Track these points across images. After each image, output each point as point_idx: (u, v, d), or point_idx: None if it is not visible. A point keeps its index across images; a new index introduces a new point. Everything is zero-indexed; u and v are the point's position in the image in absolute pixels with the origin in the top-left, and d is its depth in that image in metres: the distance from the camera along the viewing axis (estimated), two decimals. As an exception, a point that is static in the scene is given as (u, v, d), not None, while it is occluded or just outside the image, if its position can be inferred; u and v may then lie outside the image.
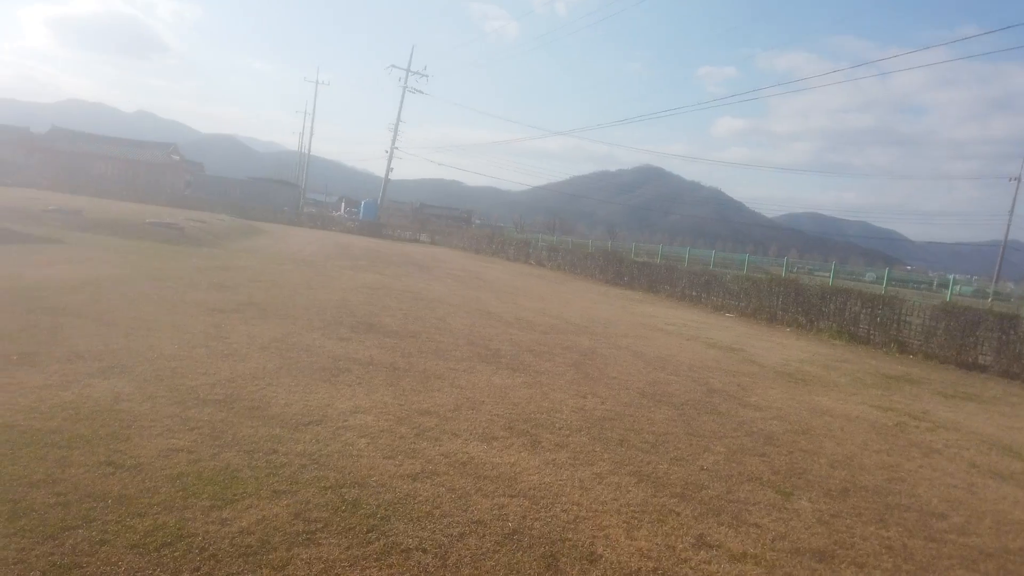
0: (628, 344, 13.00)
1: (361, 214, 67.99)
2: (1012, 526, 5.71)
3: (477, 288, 21.19)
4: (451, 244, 56.67)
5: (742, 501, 5.36)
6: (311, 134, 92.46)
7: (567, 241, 52.64)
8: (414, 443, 5.68)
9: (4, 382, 5.86)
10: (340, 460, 5.06)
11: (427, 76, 69.45)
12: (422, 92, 70.17)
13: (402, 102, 69.19)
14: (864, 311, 19.00)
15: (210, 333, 8.96)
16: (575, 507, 4.76)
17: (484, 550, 3.97)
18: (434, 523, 4.22)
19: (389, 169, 69.52)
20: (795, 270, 35.32)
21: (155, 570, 3.33)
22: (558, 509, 4.69)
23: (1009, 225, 59.43)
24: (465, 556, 3.88)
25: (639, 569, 4.02)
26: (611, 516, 4.69)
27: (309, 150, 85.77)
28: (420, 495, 4.61)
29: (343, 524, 4.05)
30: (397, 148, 69.06)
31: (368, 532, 3.99)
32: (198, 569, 3.39)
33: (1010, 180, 59.49)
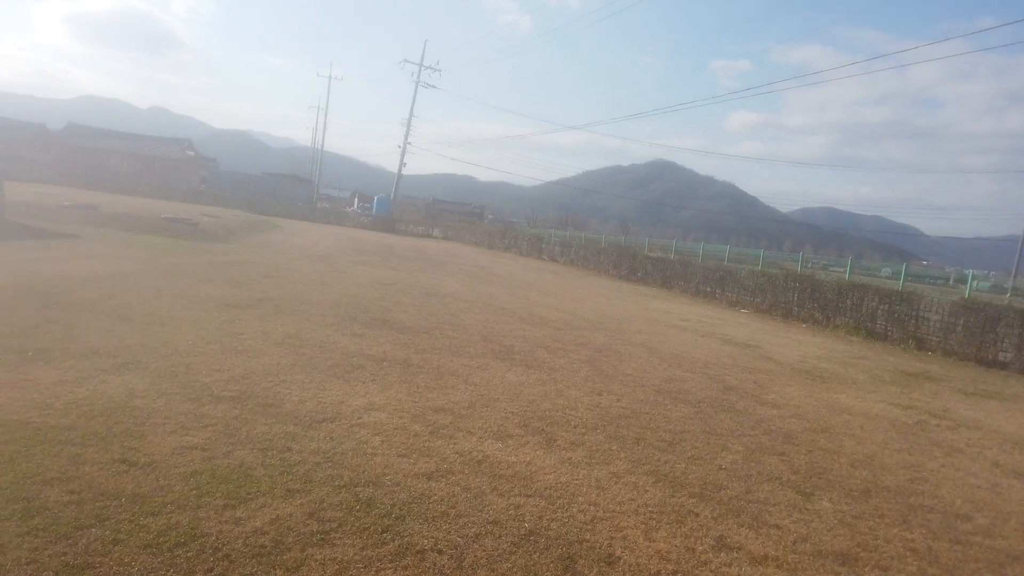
0: (643, 340, 12.90)
1: (374, 209, 68.05)
2: (1039, 528, 5.58)
3: (490, 284, 21.13)
4: (464, 239, 56.63)
5: (762, 501, 5.26)
6: (324, 129, 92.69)
7: (580, 236, 52.44)
8: (428, 441, 5.63)
9: (19, 378, 5.86)
10: (354, 458, 5.01)
11: (440, 71, 69.44)
12: (435, 87, 70.25)
13: (415, 97, 69.21)
14: (881, 307, 18.77)
15: (224, 329, 8.95)
16: (592, 507, 4.69)
17: (500, 551, 3.91)
18: (449, 523, 4.16)
19: (402, 164, 69.57)
20: (810, 265, 34.97)
21: (168, 571, 3.29)
22: (575, 509, 4.61)
23: (1028, 219, 58.52)
24: (481, 558, 3.82)
25: (658, 572, 3.94)
26: (629, 517, 4.62)
27: (323, 145, 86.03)
28: (435, 494, 4.55)
29: (357, 524, 4.00)
30: (410, 143, 69.12)
31: (383, 532, 3.94)
32: (211, 570, 3.34)
33: (1029, 174, 58.49)
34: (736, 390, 9.39)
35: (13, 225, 20.00)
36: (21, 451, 4.38)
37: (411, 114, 69.02)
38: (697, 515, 4.81)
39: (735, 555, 4.28)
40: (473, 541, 3.99)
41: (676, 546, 4.28)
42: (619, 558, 4.03)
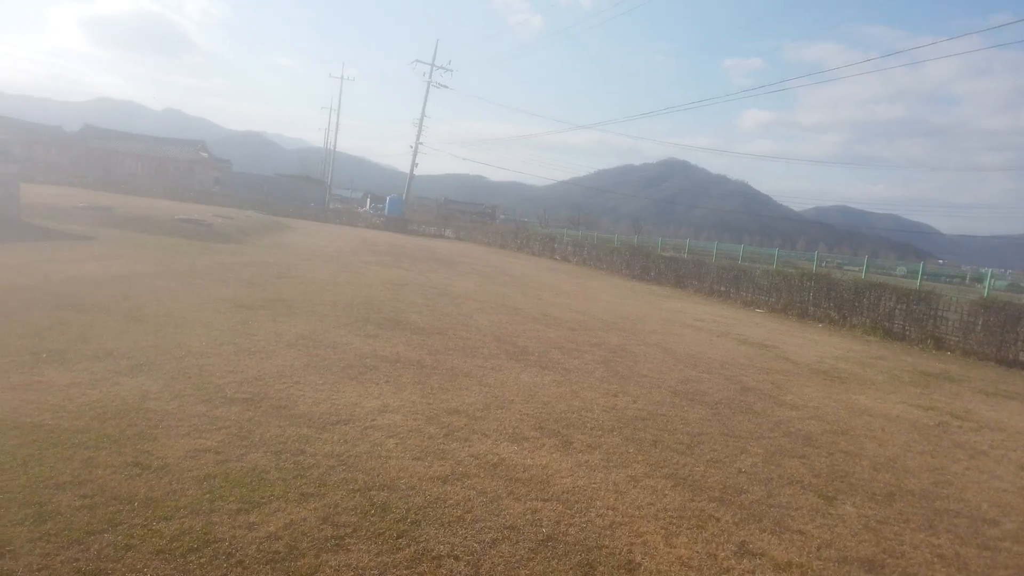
0: (657, 341, 12.78)
1: (386, 210, 68.15)
2: (1069, 534, 5.44)
3: (502, 284, 21.06)
4: (476, 239, 56.59)
5: (784, 506, 5.15)
6: (336, 130, 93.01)
7: (592, 236, 52.29)
8: (443, 444, 5.55)
9: (33, 380, 5.84)
10: (368, 461, 4.95)
11: (451, 71, 69.47)
12: (447, 87, 70.25)
13: (426, 97, 69.25)
14: (899, 306, 18.53)
15: (237, 330, 8.93)
16: (610, 512, 4.60)
17: (518, 557, 3.83)
18: (465, 528, 4.08)
19: (414, 164, 69.65)
20: (824, 264, 34.64)
21: (181, 577, 3.24)
22: (593, 514, 4.53)
23: (1046, 217, 57.75)
24: (498, 564, 3.74)
25: (680, 579, 3.85)
26: (648, 522, 4.53)
27: (335, 146, 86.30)
28: (450, 498, 4.48)
29: (372, 529, 3.93)
30: (422, 143, 69.19)
31: (398, 538, 3.87)
32: (225, 576, 3.29)
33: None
34: (754, 391, 9.27)
35: (29, 226, 20.14)
36: (34, 454, 4.34)
37: (423, 114, 69.11)
38: (718, 520, 4.71)
39: (758, 562, 4.18)
40: (490, 547, 3.91)
41: (697, 552, 4.18)
42: (639, 565, 3.94)
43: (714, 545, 4.31)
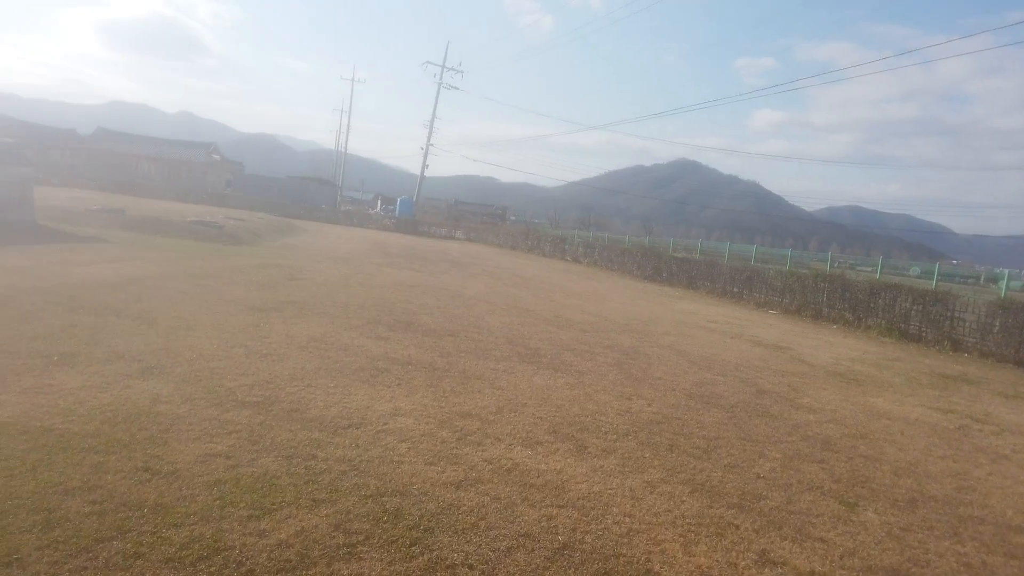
0: (671, 343, 12.66)
1: (397, 211, 68.26)
2: (1099, 542, 5.29)
3: (514, 285, 20.97)
4: (486, 241, 56.53)
5: (804, 512, 5.04)
6: (348, 132, 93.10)
7: (603, 237, 52.10)
8: (456, 448, 5.47)
9: (43, 383, 5.81)
10: (380, 466, 4.88)
11: (462, 72, 69.53)
12: (457, 88, 70.24)
13: (437, 98, 69.29)
14: (915, 308, 18.31)
15: (249, 332, 8.89)
16: (627, 519, 4.50)
17: (534, 567, 3.74)
18: (480, 536, 4.00)
19: (424, 166, 69.70)
20: (837, 265, 34.35)
21: (191, 587, 3.17)
22: (609, 521, 4.43)
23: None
24: (514, 573, 3.65)
25: (700, 589, 3.75)
26: (666, 529, 4.43)
27: (346, 148, 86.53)
28: (464, 505, 4.40)
29: (385, 536, 3.85)
30: (432, 145, 69.22)
31: (411, 545, 3.79)
32: (235, 586, 3.22)
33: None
34: (770, 394, 9.14)
35: (42, 229, 20.25)
36: (44, 459, 4.30)
37: (434, 116, 69.17)
38: (737, 527, 4.60)
39: (780, 571, 4.07)
40: (505, 555, 3.82)
41: (717, 561, 4.08)
42: (658, 574, 3.84)
43: (734, 554, 4.21)
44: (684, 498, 5.00)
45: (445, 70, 68.16)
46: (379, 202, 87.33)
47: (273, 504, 4.07)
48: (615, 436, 6.34)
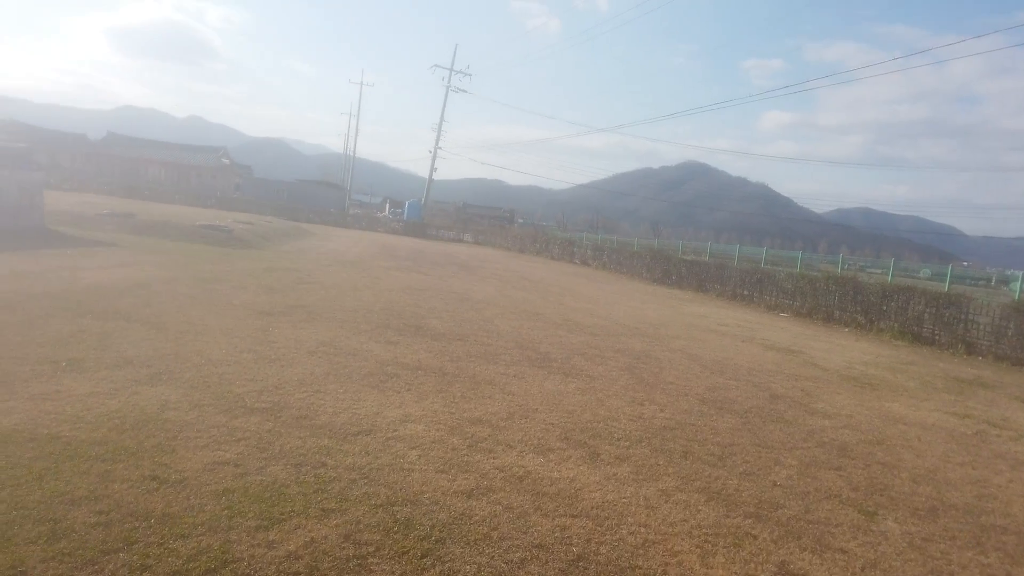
0: (682, 347, 12.54)
1: (405, 214, 68.31)
2: None
3: (523, 288, 20.89)
4: (494, 244, 56.48)
5: (823, 522, 4.93)
6: (356, 135, 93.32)
7: (612, 240, 51.96)
8: (467, 455, 5.39)
9: (52, 390, 5.77)
10: (391, 474, 4.80)
11: (470, 75, 69.49)
12: (465, 91, 70.14)
13: (445, 102, 69.30)
14: (928, 310, 18.11)
15: (258, 337, 8.84)
16: (643, 529, 4.41)
17: (548, 579, 3.65)
18: (492, 547, 3.92)
19: (433, 169, 69.72)
20: (847, 267, 34.09)
21: (198, 600, 3.10)
22: (624, 531, 4.34)
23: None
24: (528, 586, 3.57)
25: (718, 602, 3.65)
26: (682, 539, 4.33)
27: (354, 152, 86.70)
28: (476, 514, 4.31)
29: (396, 547, 3.77)
30: (440, 148, 69.24)
31: (423, 557, 3.71)
32: (243, 600, 3.15)
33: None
34: (783, 399, 9.02)
35: (52, 233, 20.32)
36: (50, 467, 4.24)
37: (442, 119, 69.17)
38: (755, 537, 4.50)
39: (800, 583, 3.97)
40: (518, 567, 3.74)
41: (735, 573, 3.98)
42: (675, 587, 3.75)
43: (753, 565, 4.10)
44: (700, 507, 4.90)
45: (453, 73, 68.21)
46: (387, 205, 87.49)
47: (282, 514, 3.99)
48: (628, 443, 6.24)
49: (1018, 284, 24.66)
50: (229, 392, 6.28)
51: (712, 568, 4.00)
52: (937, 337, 17.60)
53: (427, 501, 4.42)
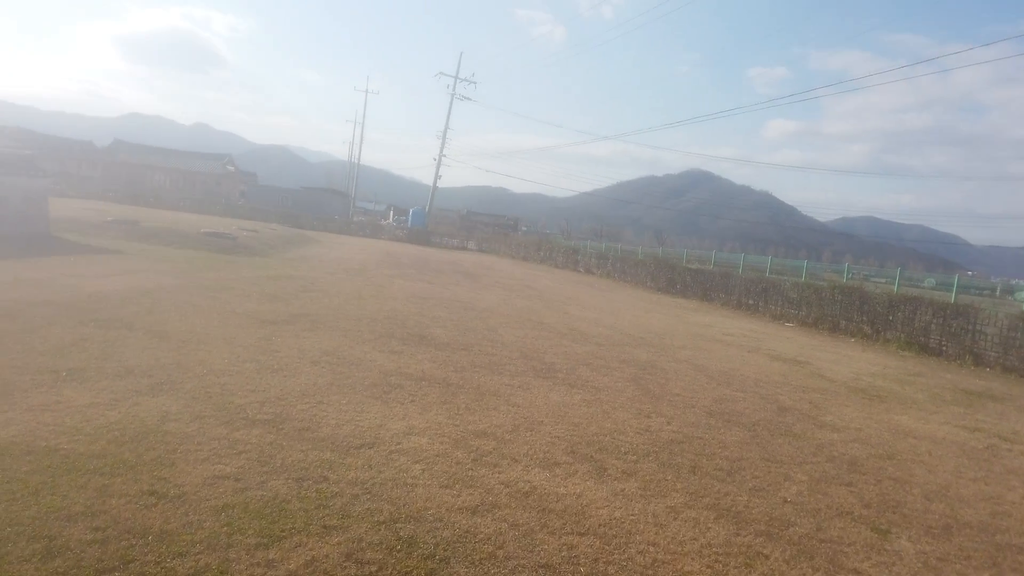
0: (688, 357, 12.43)
1: (410, 222, 68.32)
2: None
3: (527, 297, 20.80)
4: (498, 251, 56.42)
5: (835, 541, 4.82)
6: (360, 143, 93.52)
7: (616, 248, 51.85)
8: (472, 469, 5.30)
9: (51, 400, 5.69)
10: (394, 489, 4.71)
11: (475, 83, 69.53)
12: (470, 99, 70.30)
13: (450, 109, 69.40)
14: (935, 321, 17.96)
15: (260, 346, 8.76)
16: (652, 548, 4.30)
17: (555, 601, 3.56)
18: (498, 566, 3.82)
19: (437, 177, 69.77)
20: (852, 276, 33.93)
21: (195, 623, 3.01)
22: (633, 550, 4.24)
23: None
24: (534, 608, 3.47)
25: (730, 626, 3.55)
26: (692, 559, 4.22)
27: (359, 159, 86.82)
28: (481, 532, 4.22)
29: (399, 567, 3.68)
30: (445, 156, 69.31)
31: (426, 577, 3.61)
32: (242, 622, 3.06)
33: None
34: (791, 411, 8.90)
35: (56, 240, 20.31)
36: (47, 482, 4.16)
37: (446, 126, 69.27)
38: (767, 557, 4.39)
39: (814, 606, 3.86)
40: (524, 588, 3.64)
41: (747, 595, 3.88)
42: (686, 609, 3.64)
43: (765, 586, 4.00)
44: (710, 525, 4.80)
45: (458, 81, 68.33)
46: (391, 213, 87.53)
47: (282, 531, 3.91)
48: (635, 457, 6.14)
49: (1025, 294, 24.47)
50: (231, 403, 6.20)
51: (723, 589, 3.89)
52: (944, 348, 17.45)
53: (431, 518, 4.33)
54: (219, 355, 8.01)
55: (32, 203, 21.05)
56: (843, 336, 19.95)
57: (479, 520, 4.38)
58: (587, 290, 27.30)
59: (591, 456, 6.00)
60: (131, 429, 5.24)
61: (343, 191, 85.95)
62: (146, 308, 10.53)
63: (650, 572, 3.98)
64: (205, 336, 8.98)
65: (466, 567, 3.76)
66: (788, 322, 22.31)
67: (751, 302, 25.09)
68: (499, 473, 5.29)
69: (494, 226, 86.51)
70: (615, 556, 4.12)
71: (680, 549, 4.34)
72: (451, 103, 68.74)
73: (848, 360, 14.92)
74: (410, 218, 69.97)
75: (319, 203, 72.54)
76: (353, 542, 3.89)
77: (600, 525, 4.54)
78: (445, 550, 3.93)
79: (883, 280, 35.28)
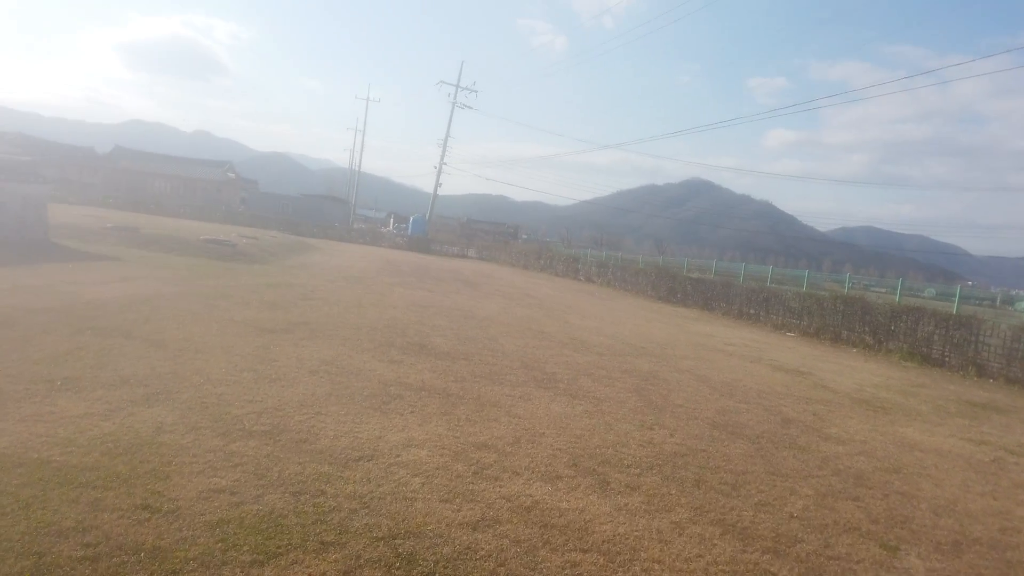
0: (690, 367, 12.33)
1: (410, 230, 68.34)
2: None
3: (527, 306, 20.71)
4: (499, 259, 56.36)
5: (844, 558, 4.71)
6: (361, 150, 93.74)
7: (616, 257, 51.79)
8: (472, 483, 5.20)
9: (44, 411, 5.60)
10: (393, 504, 4.61)
11: (476, 91, 69.67)
12: (471, 107, 70.37)
13: (451, 117, 69.54)
14: (938, 331, 17.87)
15: (258, 355, 8.67)
16: (657, 565, 4.20)
17: (558, 621, 3.45)
18: (499, 585, 3.72)
19: (438, 184, 69.83)
20: (852, 286, 33.85)
21: (187, 645, 2.91)
22: (638, 568, 4.13)
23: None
24: (537, 629, 3.37)
25: (739, 648, 3.45)
26: (698, 577, 4.12)
27: (360, 167, 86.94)
28: (482, 548, 4.12)
29: (398, 586, 3.58)
30: (446, 164, 69.37)
31: (426, 596, 3.51)
32: (235, 644, 2.95)
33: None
34: (795, 423, 8.80)
35: (55, 247, 20.24)
36: (38, 495, 4.06)
37: (447, 134, 69.38)
38: (775, 575, 4.29)
39: (824, 627, 3.76)
40: (527, 608, 3.54)
41: (755, 615, 3.78)
42: (693, 631, 3.54)
43: (773, 606, 3.90)
44: (715, 541, 4.69)
45: (459, 90, 68.47)
46: (392, 220, 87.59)
47: (278, 548, 3.80)
48: (638, 470, 6.04)
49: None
50: (227, 414, 6.10)
51: (731, 610, 3.79)
52: (947, 359, 17.35)
53: (431, 534, 4.23)
54: (216, 364, 7.92)
55: (31, 209, 20.98)
56: (845, 346, 19.85)
57: (480, 536, 4.28)
58: (588, 299, 27.21)
59: (594, 469, 5.90)
60: (125, 441, 5.14)
61: (343, 198, 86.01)
62: (144, 316, 10.44)
63: (656, 591, 3.88)
64: (203, 344, 8.89)
65: (467, 586, 3.67)
66: (789, 332, 22.22)
67: (752, 312, 25.00)
68: (500, 487, 5.19)
69: (494, 234, 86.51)
70: (619, 574, 4.02)
71: (686, 567, 4.24)
72: (452, 111, 68.90)
73: (851, 371, 14.82)
74: (410, 226, 70.00)
75: (319, 210, 72.55)
76: (351, 559, 3.79)
77: (604, 541, 4.44)
78: (445, 567, 3.83)
79: (884, 290, 35.24)
